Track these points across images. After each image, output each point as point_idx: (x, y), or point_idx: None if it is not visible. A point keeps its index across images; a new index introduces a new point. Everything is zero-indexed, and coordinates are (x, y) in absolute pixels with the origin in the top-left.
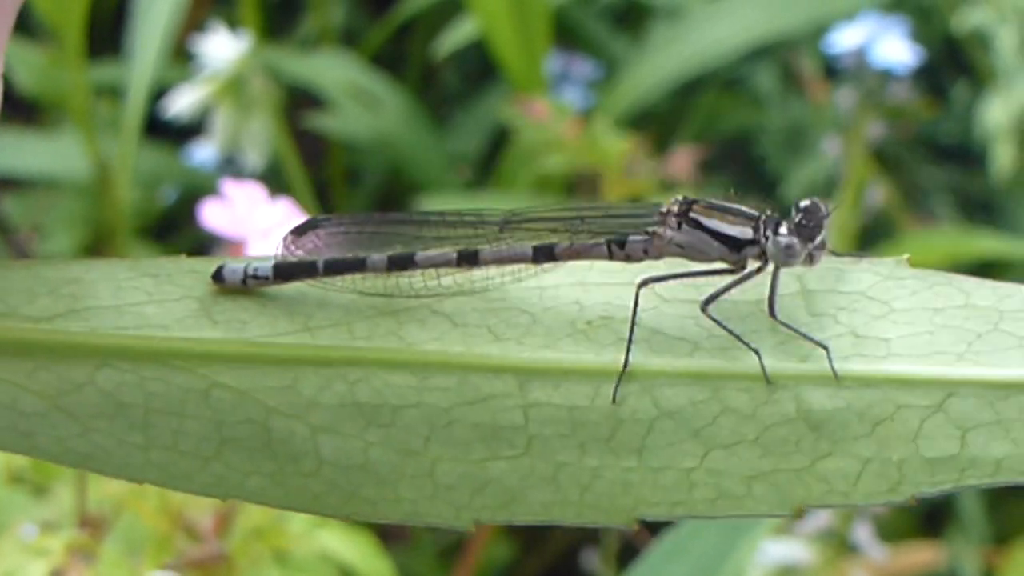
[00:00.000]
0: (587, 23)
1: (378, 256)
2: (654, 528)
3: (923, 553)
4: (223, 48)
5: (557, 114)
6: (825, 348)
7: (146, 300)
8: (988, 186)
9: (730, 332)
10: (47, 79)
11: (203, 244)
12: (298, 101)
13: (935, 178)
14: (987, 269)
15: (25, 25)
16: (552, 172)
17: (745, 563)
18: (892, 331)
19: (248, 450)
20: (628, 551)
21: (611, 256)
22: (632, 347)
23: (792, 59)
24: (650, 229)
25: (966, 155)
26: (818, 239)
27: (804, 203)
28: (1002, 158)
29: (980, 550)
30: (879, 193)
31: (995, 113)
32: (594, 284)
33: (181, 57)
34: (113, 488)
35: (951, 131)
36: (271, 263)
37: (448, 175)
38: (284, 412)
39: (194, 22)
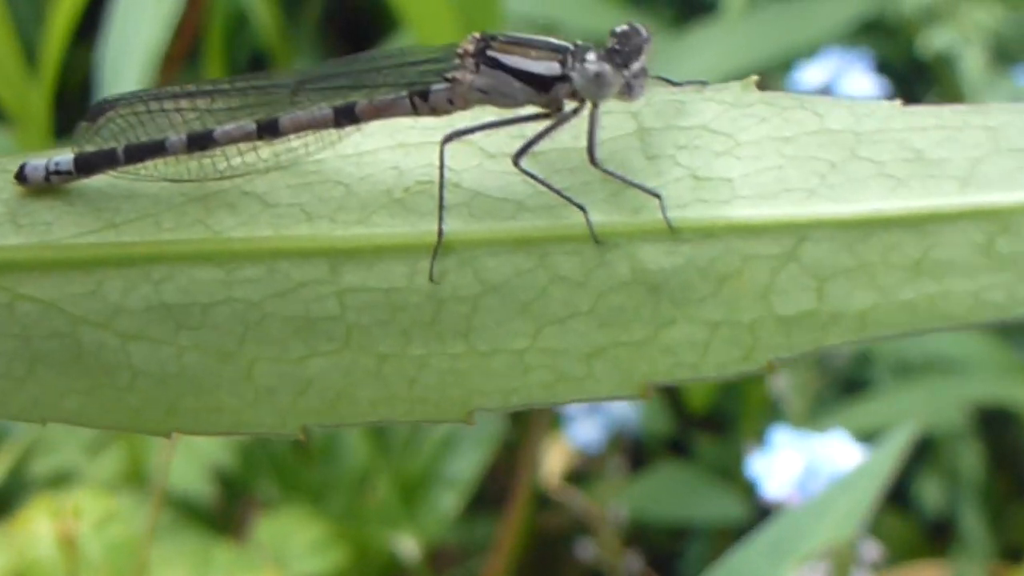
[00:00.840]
0: None
1: (176, 136)
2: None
3: (928, 571)
4: None
5: None
6: (658, 196)
7: None
8: None
9: (550, 187)
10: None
11: None
12: None
13: None
14: None
15: None
16: None
17: None
18: (736, 169)
19: (60, 366)
20: None
21: (416, 110)
22: (446, 214)
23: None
24: (449, 75)
25: None
26: (635, 66)
27: (619, 27)
28: None
29: (985, 565)
30: None
31: None
32: (414, 145)
33: None
34: None
35: None
36: (72, 156)
37: None
38: (91, 321)
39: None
